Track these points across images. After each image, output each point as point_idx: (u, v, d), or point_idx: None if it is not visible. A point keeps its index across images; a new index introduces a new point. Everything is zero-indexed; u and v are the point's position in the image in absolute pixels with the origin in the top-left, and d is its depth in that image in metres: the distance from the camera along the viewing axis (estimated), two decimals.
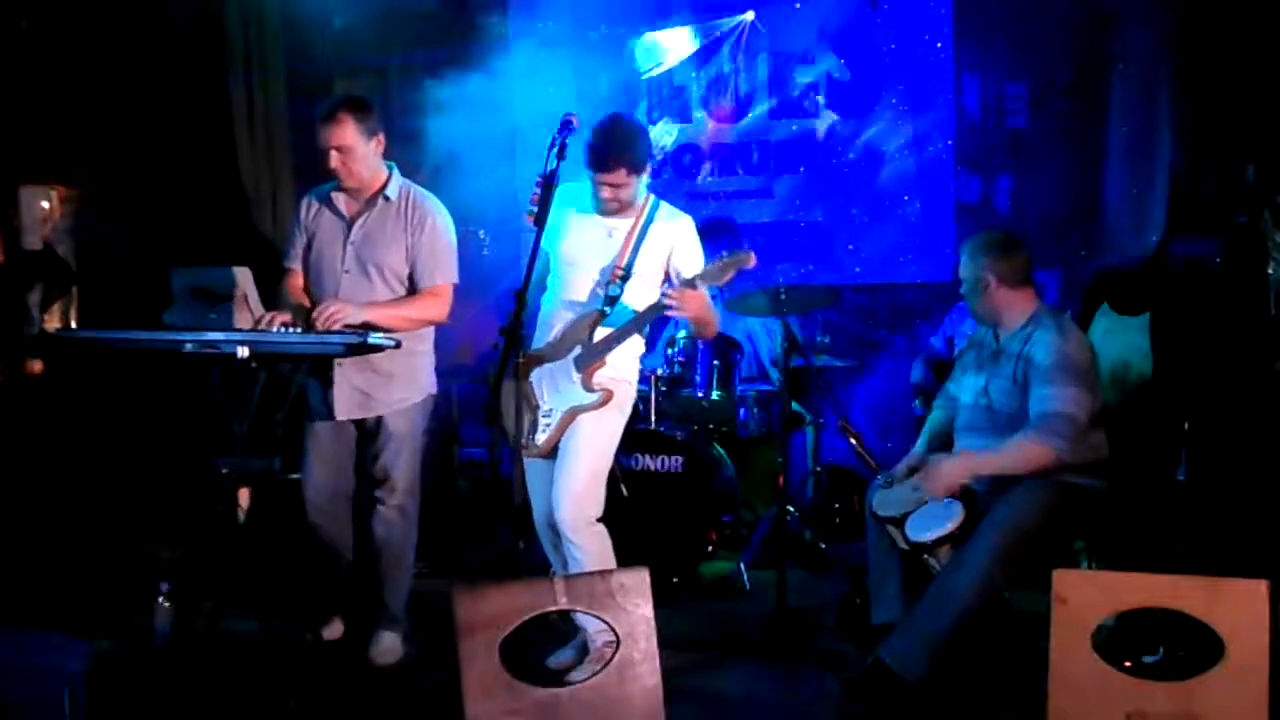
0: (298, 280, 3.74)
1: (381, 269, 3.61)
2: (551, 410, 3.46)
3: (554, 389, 3.47)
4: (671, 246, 3.48)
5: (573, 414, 3.43)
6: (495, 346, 3.13)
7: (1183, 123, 4.88)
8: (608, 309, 3.41)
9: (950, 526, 3.31)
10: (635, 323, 3.41)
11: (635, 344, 3.55)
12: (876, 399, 5.83)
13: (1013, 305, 3.50)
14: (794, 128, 6.01)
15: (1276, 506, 3.77)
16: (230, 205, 5.64)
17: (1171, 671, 2.50)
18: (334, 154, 3.53)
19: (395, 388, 3.65)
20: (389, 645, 3.71)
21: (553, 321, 3.52)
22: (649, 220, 3.46)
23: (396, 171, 3.69)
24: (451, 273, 3.69)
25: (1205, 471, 4.19)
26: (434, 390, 3.80)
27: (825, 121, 5.97)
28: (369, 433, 3.71)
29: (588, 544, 3.37)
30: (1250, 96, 4.48)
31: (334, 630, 3.86)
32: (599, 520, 3.47)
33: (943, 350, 5.04)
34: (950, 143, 5.80)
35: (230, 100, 5.53)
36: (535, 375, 3.51)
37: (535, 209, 3.23)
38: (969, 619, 3.20)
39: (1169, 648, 3.15)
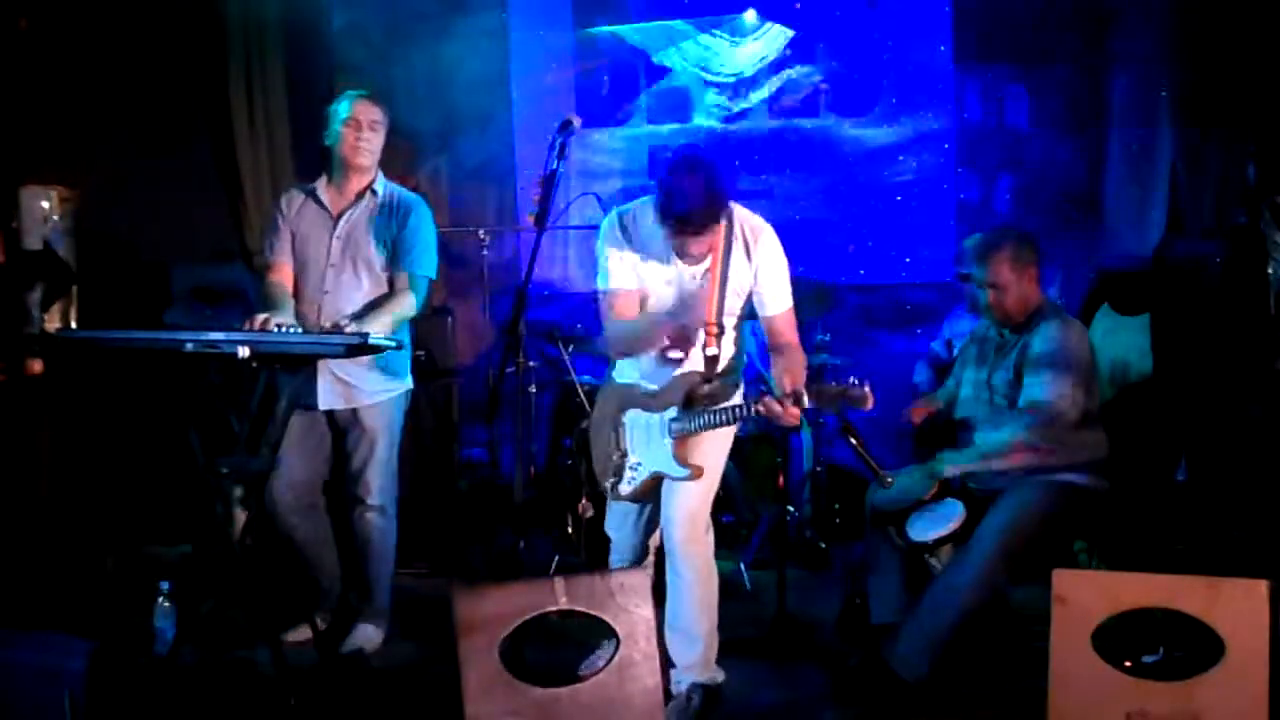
0: (287, 274, 3.67)
1: (369, 263, 3.61)
2: (640, 465, 3.18)
3: (645, 443, 3.16)
4: (755, 268, 3.09)
5: (657, 479, 3.13)
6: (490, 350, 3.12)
7: (1183, 122, 4.87)
8: (708, 373, 3.09)
9: (951, 526, 3.32)
10: (718, 418, 3.00)
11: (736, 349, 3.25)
12: (877, 399, 5.81)
13: (1033, 298, 3.51)
14: (794, 127, 6.01)
15: (1276, 506, 3.77)
16: (230, 205, 5.63)
17: (1171, 671, 2.50)
18: (369, 131, 3.59)
19: (378, 378, 3.63)
20: (367, 635, 3.69)
21: (649, 364, 3.18)
22: (728, 250, 3.05)
23: (380, 171, 3.72)
24: (429, 266, 3.68)
25: (1205, 471, 4.19)
26: (411, 385, 3.76)
27: (825, 121, 5.98)
28: (343, 428, 3.67)
29: (698, 559, 3.12)
30: (1250, 96, 4.48)
31: (301, 634, 3.69)
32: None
33: (943, 353, 5.04)
34: (950, 143, 5.81)
35: (230, 100, 5.53)
36: (630, 417, 3.21)
37: (536, 209, 3.22)
38: (970, 619, 3.20)
39: (1169, 648, 3.15)
